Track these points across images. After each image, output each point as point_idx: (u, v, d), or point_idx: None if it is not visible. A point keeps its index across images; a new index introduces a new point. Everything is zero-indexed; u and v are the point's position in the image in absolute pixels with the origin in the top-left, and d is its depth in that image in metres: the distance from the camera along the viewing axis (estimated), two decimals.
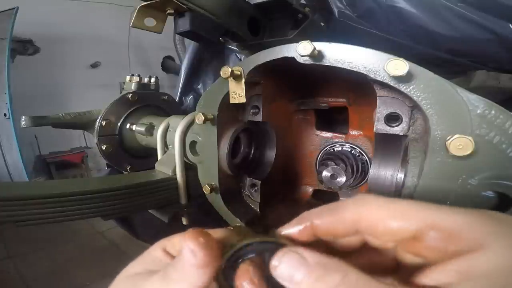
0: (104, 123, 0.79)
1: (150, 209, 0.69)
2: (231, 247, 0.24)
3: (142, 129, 0.76)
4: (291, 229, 0.24)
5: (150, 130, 0.76)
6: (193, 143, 0.57)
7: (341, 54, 0.36)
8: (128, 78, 0.86)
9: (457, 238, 0.20)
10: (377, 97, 0.38)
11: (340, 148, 0.61)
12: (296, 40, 0.39)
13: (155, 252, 0.27)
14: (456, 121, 0.31)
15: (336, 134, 0.62)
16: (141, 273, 0.25)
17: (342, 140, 0.61)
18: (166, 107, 0.92)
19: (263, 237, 0.24)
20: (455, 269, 0.19)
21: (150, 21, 0.63)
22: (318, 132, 0.64)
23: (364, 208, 0.22)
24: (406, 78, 0.32)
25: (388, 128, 0.39)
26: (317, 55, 0.37)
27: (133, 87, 0.85)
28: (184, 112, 0.75)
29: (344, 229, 0.23)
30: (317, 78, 0.55)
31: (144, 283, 0.24)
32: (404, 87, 0.33)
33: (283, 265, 0.21)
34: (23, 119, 0.74)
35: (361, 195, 0.24)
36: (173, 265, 0.23)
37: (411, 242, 0.21)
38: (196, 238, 0.22)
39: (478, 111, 0.30)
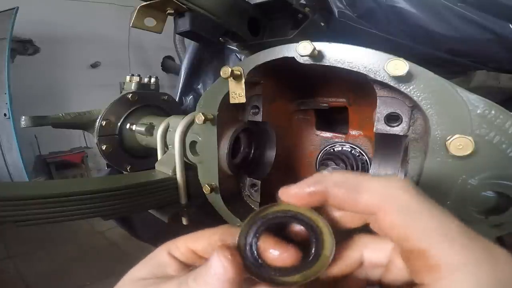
0: (104, 123, 0.79)
1: (150, 209, 0.69)
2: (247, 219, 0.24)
3: (142, 129, 0.76)
4: (302, 190, 0.22)
5: (150, 130, 0.76)
6: (193, 143, 0.57)
7: (341, 54, 0.36)
8: (128, 78, 0.86)
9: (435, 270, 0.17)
10: (377, 97, 0.38)
11: (340, 148, 0.61)
12: (296, 40, 0.39)
13: (160, 255, 0.27)
14: (456, 121, 0.31)
15: (336, 134, 0.62)
16: (147, 278, 0.25)
17: (342, 140, 0.61)
18: (166, 107, 0.92)
19: (272, 206, 0.24)
20: None
21: (150, 21, 0.63)
22: (318, 132, 0.64)
23: (387, 205, 0.19)
24: (406, 78, 0.32)
25: (388, 128, 0.39)
26: (317, 55, 0.37)
27: (133, 87, 0.85)
28: (184, 112, 0.75)
29: (356, 210, 0.21)
30: (317, 78, 0.55)
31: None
32: (404, 87, 0.33)
33: None
34: (23, 119, 0.74)
35: (390, 180, 0.20)
36: (195, 276, 0.22)
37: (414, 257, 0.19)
38: (227, 250, 0.21)
39: (478, 111, 0.30)
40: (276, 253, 0.22)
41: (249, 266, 0.22)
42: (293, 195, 0.22)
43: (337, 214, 0.24)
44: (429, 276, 0.18)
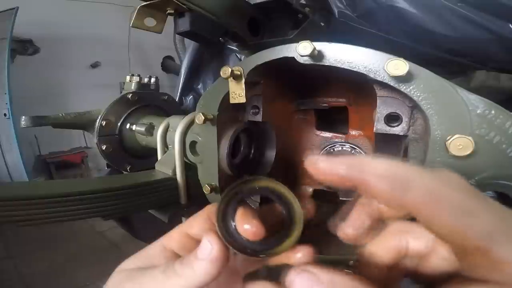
0: (104, 123, 0.79)
1: (150, 209, 0.69)
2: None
3: (142, 129, 0.76)
4: (333, 168, 0.20)
5: (150, 130, 0.76)
6: (193, 143, 0.57)
7: (341, 54, 0.36)
8: (128, 78, 0.86)
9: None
10: (377, 97, 0.38)
11: (340, 148, 0.61)
12: (296, 40, 0.39)
13: (151, 248, 0.28)
14: (456, 121, 0.31)
15: (336, 134, 0.62)
16: (133, 269, 0.26)
17: (342, 140, 0.61)
18: (166, 107, 0.92)
19: (255, 180, 0.26)
20: None
21: (150, 21, 0.63)
22: (318, 132, 0.64)
23: (441, 205, 0.17)
24: (406, 78, 0.32)
25: (388, 128, 0.39)
26: (317, 55, 0.37)
27: (133, 87, 0.85)
28: (184, 112, 0.75)
29: (401, 207, 0.18)
30: (317, 78, 0.55)
31: (143, 275, 0.24)
32: (404, 87, 0.33)
33: (295, 286, 0.19)
34: (23, 119, 0.74)
35: (441, 175, 0.18)
36: (182, 260, 0.24)
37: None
38: (213, 232, 0.23)
39: (478, 111, 0.30)
40: (247, 227, 0.24)
41: (228, 239, 0.24)
42: (321, 170, 0.20)
43: (376, 204, 0.23)
44: (496, 273, 0.17)
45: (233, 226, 0.24)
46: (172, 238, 0.28)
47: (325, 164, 0.20)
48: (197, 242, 0.28)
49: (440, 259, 0.21)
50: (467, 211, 0.17)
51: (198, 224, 0.28)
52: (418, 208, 0.18)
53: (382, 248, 0.23)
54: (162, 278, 0.23)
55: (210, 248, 0.23)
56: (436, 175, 0.18)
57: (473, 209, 0.17)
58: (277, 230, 0.25)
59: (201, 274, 0.22)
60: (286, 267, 0.22)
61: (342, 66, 0.36)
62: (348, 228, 0.23)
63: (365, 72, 0.35)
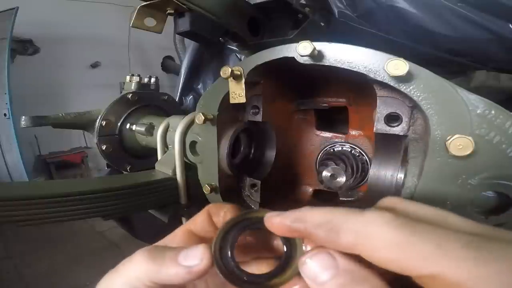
0: (104, 123, 0.79)
1: (150, 209, 0.69)
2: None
3: (142, 129, 0.76)
4: (283, 223, 0.22)
5: (150, 130, 0.76)
6: (193, 143, 0.57)
7: (341, 54, 0.36)
8: (128, 78, 0.86)
9: None
10: (377, 97, 0.38)
11: (340, 148, 0.61)
12: (296, 40, 0.39)
13: None
14: (456, 121, 0.31)
15: (336, 134, 0.62)
16: None
17: (342, 140, 0.61)
18: (166, 107, 0.92)
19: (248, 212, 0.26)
20: None
21: (150, 21, 0.63)
22: (318, 132, 0.64)
23: (370, 244, 0.19)
24: (406, 78, 0.32)
25: (388, 128, 0.39)
26: (317, 55, 0.37)
27: (133, 87, 0.85)
28: (184, 112, 0.75)
29: (339, 250, 0.20)
30: (317, 78, 0.55)
31: (109, 273, 0.25)
32: (404, 87, 0.33)
33: (312, 264, 0.20)
34: (23, 119, 0.74)
35: (370, 218, 0.19)
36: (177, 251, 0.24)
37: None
38: (208, 249, 0.23)
39: (478, 111, 0.30)
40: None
41: (223, 270, 0.23)
42: (275, 225, 0.23)
43: None
44: None
45: (231, 256, 0.24)
46: (176, 236, 0.29)
47: (277, 218, 0.23)
48: (198, 238, 0.29)
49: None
50: (397, 245, 0.18)
51: (200, 220, 0.29)
52: (353, 249, 0.19)
53: None
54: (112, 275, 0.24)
55: (198, 259, 0.22)
56: (365, 216, 0.19)
57: (403, 242, 0.17)
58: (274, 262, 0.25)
59: (171, 275, 0.22)
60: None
61: (342, 66, 0.36)
62: None
63: (365, 72, 0.35)
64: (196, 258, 0.22)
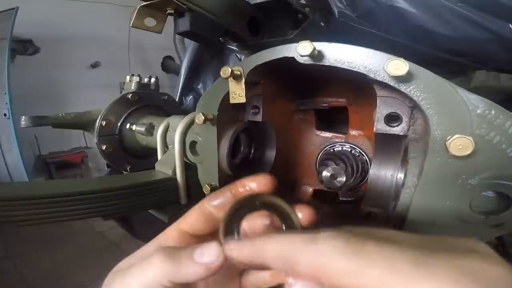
0: (104, 123, 0.79)
1: (150, 209, 0.69)
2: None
3: (142, 129, 0.76)
4: (241, 253, 0.23)
5: (150, 130, 0.76)
6: (193, 143, 0.57)
7: (341, 54, 0.36)
8: (128, 78, 0.86)
9: None
10: (377, 97, 0.38)
11: (340, 148, 0.61)
12: (296, 40, 0.39)
13: (146, 248, 0.28)
14: (456, 121, 0.31)
15: (336, 134, 0.62)
16: (124, 268, 0.26)
17: (342, 140, 0.61)
18: (166, 107, 0.92)
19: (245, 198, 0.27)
20: None
21: (150, 21, 0.63)
22: (318, 132, 0.64)
23: (324, 274, 0.19)
24: (406, 78, 0.32)
25: (388, 128, 0.39)
26: (317, 55, 0.37)
27: (133, 87, 0.85)
28: (184, 112, 0.75)
29: (298, 278, 0.21)
30: (317, 78, 0.55)
31: (128, 272, 0.25)
32: (404, 87, 0.33)
33: None
34: (23, 119, 0.74)
35: (320, 246, 0.19)
36: (185, 251, 0.24)
37: None
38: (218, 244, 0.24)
39: (478, 111, 0.30)
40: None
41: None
42: (234, 256, 0.23)
43: None
44: None
45: (238, 239, 0.25)
46: (168, 236, 0.29)
47: (235, 253, 0.23)
48: (191, 236, 0.29)
49: None
50: (350, 273, 0.18)
51: (193, 219, 0.29)
52: (312, 278, 0.20)
53: None
54: (133, 276, 0.24)
55: (215, 256, 0.23)
56: (318, 246, 0.20)
57: (356, 270, 0.18)
58: None
59: (190, 274, 0.23)
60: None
61: (342, 66, 0.36)
62: None
63: (365, 72, 0.35)
64: (213, 255, 0.23)
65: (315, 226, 0.29)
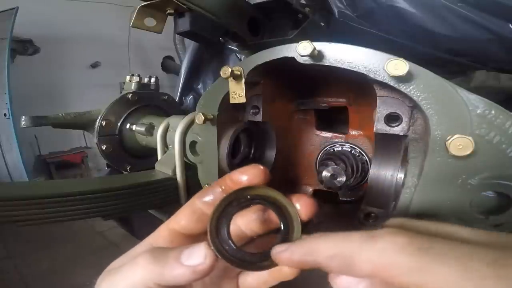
0: (104, 123, 0.79)
1: (150, 209, 0.69)
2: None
3: (142, 129, 0.76)
4: (292, 257, 0.22)
5: (150, 130, 0.76)
6: (193, 143, 0.57)
7: (341, 54, 0.36)
8: (128, 78, 0.86)
9: None
10: (377, 97, 0.38)
11: (340, 148, 0.61)
12: (296, 40, 0.39)
13: (138, 247, 0.27)
14: (456, 121, 0.31)
15: (336, 134, 0.62)
16: (116, 267, 0.25)
17: (342, 140, 0.61)
18: (166, 107, 0.92)
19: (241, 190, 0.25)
20: None
21: (150, 21, 0.63)
22: (318, 132, 0.64)
23: (388, 273, 0.18)
24: (406, 78, 0.32)
25: (388, 128, 0.39)
26: (317, 55, 0.37)
27: (133, 87, 0.85)
28: (184, 112, 0.75)
29: (354, 277, 0.20)
30: (317, 78, 0.55)
31: (117, 272, 0.24)
32: (404, 87, 0.33)
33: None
34: (23, 119, 0.74)
35: (385, 244, 0.19)
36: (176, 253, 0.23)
37: None
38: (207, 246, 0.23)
39: (478, 111, 0.30)
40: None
41: (223, 253, 0.23)
42: (284, 261, 0.22)
43: None
44: None
45: (228, 239, 0.23)
46: (159, 236, 0.28)
47: (286, 253, 0.22)
48: (183, 236, 0.28)
49: None
50: (418, 271, 0.17)
51: (183, 218, 0.28)
52: (370, 275, 0.19)
53: None
54: (120, 276, 0.23)
55: (202, 258, 0.22)
56: (378, 244, 0.19)
57: (422, 267, 0.17)
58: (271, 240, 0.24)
59: (176, 276, 0.22)
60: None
61: (342, 66, 0.36)
62: None
63: (365, 72, 0.35)
64: (200, 257, 0.22)
65: (316, 224, 0.28)
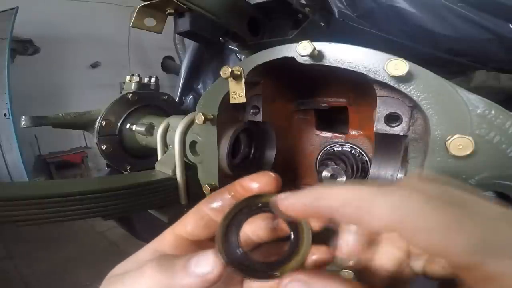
0: (104, 123, 0.79)
1: (150, 209, 0.69)
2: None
3: (142, 129, 0.76)
4: (299, 203, 0.20)
5: (150, 130, 0.76)
6: (193, 143, 0.57)
7: (341, 54, 0.36)
8: (128, 78, 0.86)
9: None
10: (377, 97, 0.38)
11: (340, 148, 0.61)
12: (296, 40, 0.39)
13: (141, 253, 0.26)
14: (456, 121, 0.31)
15: (336, 134, 0.62)
16: (119, 274, 0.24)
17: (342, 140, 0.61)
18: (166, 107, 0.92)
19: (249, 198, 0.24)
20: None
21: (150, 21, 0.63)
22: (318, 132, 0.64)
23: (410, 226, 0.16)
24: (406, 78, 0.32)
25: (388, 128, 0.39)
26: (317, 55, 0.37)
27: (133, 87, 0.85)
28: (184, 112, 0.75)
29: (370, 229, 0.19)
30: (317, 78, 0.55)
31: (121, 280, 0.23)
32: (404, 87, 0.33)
33: None
34: (23, 119, 0.74)
35: (406, 193, 0.17)
36: (182, 262, 0.22)
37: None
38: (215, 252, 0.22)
39: (478, 111, 0.30)
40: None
41: (233, 262, 0.22)
42: (289, 206, 0.21)
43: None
44: (491, 285, 0.15)
45: (237, 247, 0.23)
46: (164, 241, 0.27)
47: (292, 199, 0.20)
48: (189, 242, 0.27)
49: (440, 267, 0.21)
50: (445, 228, 0.15)
51: (190, 223, 0.27)
52: (387, 229, 0.17)
53: (382, 259, 0.23)
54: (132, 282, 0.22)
55: (210, 267, 0.21)
56: (401, 193, 0.17)
57: (453, 225, 0.15)
58: (281, 248, 0.24)
59: (185, 286, 0.21)
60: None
61: (342, 66, 0.36)
62: (341, 251, 0.23)
63: (365, 72, 0.35)
64: (209, 265, 0.21)
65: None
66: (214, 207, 0.26)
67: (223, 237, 0.23)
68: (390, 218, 0.16)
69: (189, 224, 0.27)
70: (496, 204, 0.18)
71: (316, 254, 0.25)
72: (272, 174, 0.25)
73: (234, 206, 0.24)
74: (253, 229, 0.28)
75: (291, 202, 0.21)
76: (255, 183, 0.25)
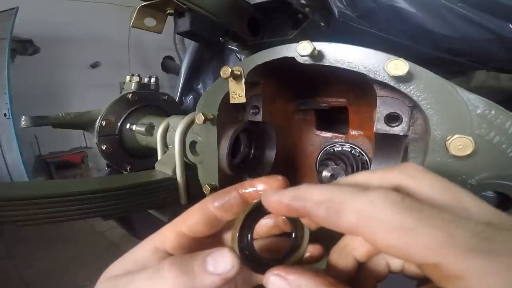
0: (104, 123, 0.79)
1: (150, 209, 0.69)
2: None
3: (142, 129, 0.76)
4: (281, 200, 0.21)
5: (150, 130, 0.76)
6: (193, 143, 0.57)
7: (341, 54, 0.36)
8: (128, 78, 0.86)
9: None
10: (377, 97, 0.38)
11: (340, 148, 0.61)
12: (296, 40, 0.39)
13: (141, 250, 0.26)
14: (456, 121, 0.31)
15: (336, 134, 0.62)
16: (121, 274, 0.24)
17: (342, 140, 0.61)
18: (166, 107, 0.92)
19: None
20: None
21: (150, 21, 0.63)
22: (318, 132, 0.64)
23: (373, 228, 0.17)
24: (406, 78, 0.32)
25: (388, 128, 0.39)
26: (317, 55, 0.37)
27: (133, 87, 0.85)
28: (184, 112, 0.75)
29: (340, 231, 0.19)
30: (317, 78, 0.55)
31: (131, 282, 0.23)
32: (404, 87, 0.33)
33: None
34: (23, 119, 0.74)
35: (374, 197, 0.18)
36: (187, 259, 0.23)
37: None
38: (231, 250, 0.22)
39: (478, 111, 0.30)
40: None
41: (248, 260, 0.23)
42: (272, 203, 0.22)
43: None
44: (453, 284, 0.16)
45: (250, 243, 0.24)
46: (165, 238, 0.26)
47: (276, 196, 0.21)
48: (191, 239, 0.26)
49: (416, 266, 0.22)
50: (401, 230, 0.16)
51: (194, 220, 0.26)
52: (353, 231, 0.18)
53: (343, 255, 0.24)
54: (150, 284, 0.22)
55: (230, 265, 0.21)
56: (370, 196, 0.18)
57: (407, 227, 0.16)
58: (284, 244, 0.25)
59: (206, 286, 0.21)
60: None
61: (342, 66, 0.36)
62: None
63: (365, 72, 0.35)
64: (227, 263, 0.21)
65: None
66: (219, 205, 0.26)
67: (240, 235, 0.24)
68: (357, 221, 0.18)
69: (193, 222, 0.26)
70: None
71: (308, 251, 0.26)
72: (283, 179, 0.25)
73: (251, 206, 0.25)
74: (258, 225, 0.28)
75: (275, 200, 0.22)
76: (266, 186, 0.25)
